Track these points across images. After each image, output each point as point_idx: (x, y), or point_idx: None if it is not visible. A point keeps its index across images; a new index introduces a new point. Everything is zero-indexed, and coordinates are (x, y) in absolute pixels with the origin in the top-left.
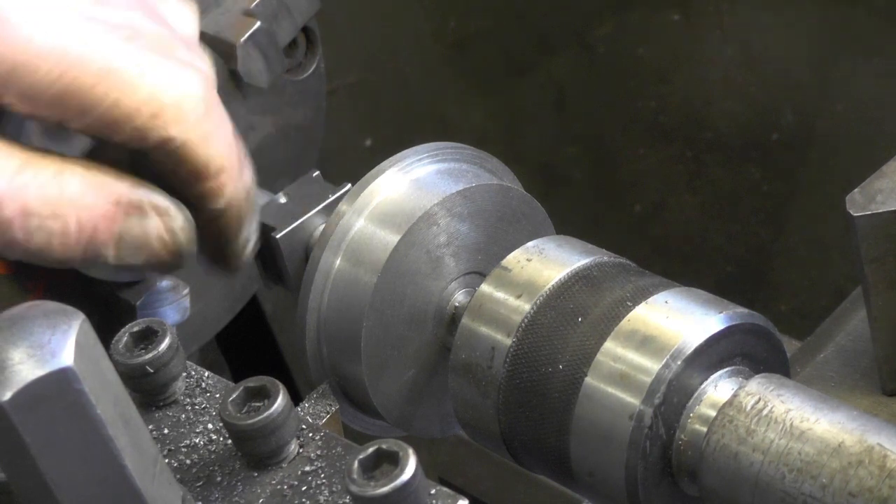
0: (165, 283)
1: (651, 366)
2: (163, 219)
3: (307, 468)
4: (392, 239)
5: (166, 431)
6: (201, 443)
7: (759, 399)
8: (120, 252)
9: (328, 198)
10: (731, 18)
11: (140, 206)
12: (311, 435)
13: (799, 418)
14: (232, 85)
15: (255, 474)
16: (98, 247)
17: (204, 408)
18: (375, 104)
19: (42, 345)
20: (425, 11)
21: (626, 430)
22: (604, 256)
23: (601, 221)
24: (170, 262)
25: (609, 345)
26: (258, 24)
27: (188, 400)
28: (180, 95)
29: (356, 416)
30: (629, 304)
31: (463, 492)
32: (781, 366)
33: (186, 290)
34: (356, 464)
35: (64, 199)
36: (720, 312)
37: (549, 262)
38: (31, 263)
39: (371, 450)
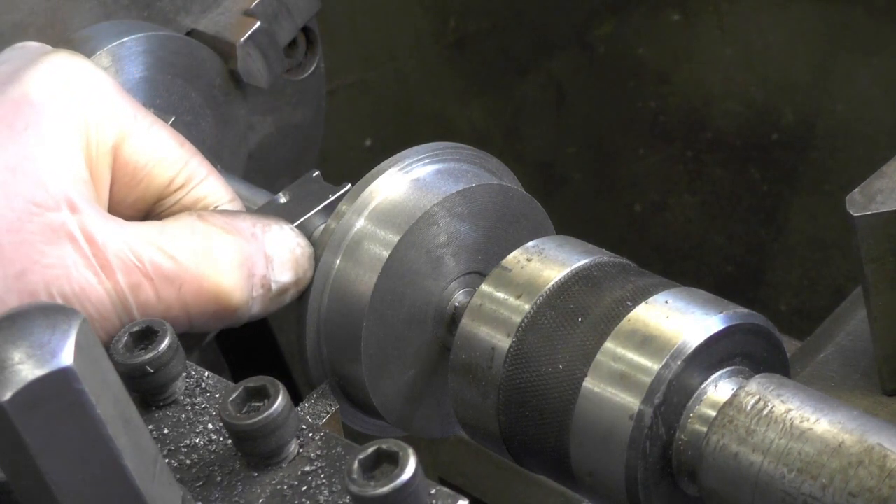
0: None
1: (651, 366)
2: (288, 234)
3: (307, 468)
4: (392, 239)
5: (166, 431)
6: (201, 443)
7: (759, 399)
8: (276, 273)
9: (328, 198)
10: (731, 18)
11: (269, 224)
12: (311, 435)
13: (799, 418)
14: (232, 85)
15: (255, 474)
16: (266, 275)
17: (204, 408)
18: (375, 104)
19: (42, 345)
20: (425, 11)
21: (626, 430)
22: (604, 256)
23: (601, 221)
24: (306, 278)
25: (609, 345)
26: (258, 24)
27: (188, 400)
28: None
29: (356, 416)
30: (629, 304)
31: (463, 492)
32: (781, 366)
33: None
34: (356, 464)
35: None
36: (720, 312)
37: (549, 262)
38: None
39: (371, 450)
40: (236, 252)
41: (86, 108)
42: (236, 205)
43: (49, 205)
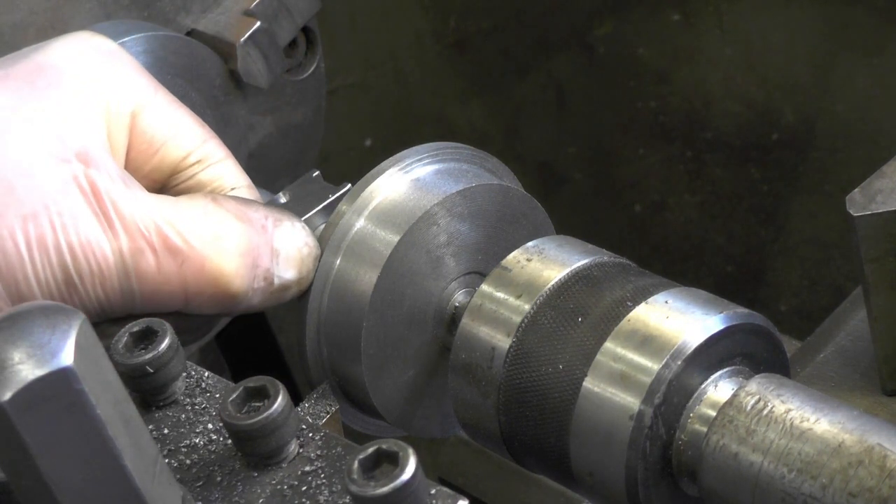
0: None
1: (651, 366)
2: (298, 231)
3: (307, 468)
4: (392, 239)
5: (166, 431)
6: (201, 443)
7: (759, 399)
8: (280, 268)
9: (328, 198)
10: (731, 18)
11: (281, 219)
12: (311, 435)
13: (799, 418)
14: (232, 85)
15: (255, 474)
16: (270, 269)
17: (204, 408)
18: (375, 104)
19: (42, 345)
20: (425, 11)
21: (626, 430)
22: (604, 256)
23: (601, 221)
24: (308, 277)
25: (609, 345)
26: (258, 24)
27: (188, 400)
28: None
29: (356, 416)
30: (629, 304)
31: (463, 492)
32: (781, 366)
33: None
34: (356, 464)
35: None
36: (720, 312)
37: (549, 262)
38: None
39: (371, 450)
40: (244, 240)
41: (106, 74)
42: (252, 191)
43: (64, 156)
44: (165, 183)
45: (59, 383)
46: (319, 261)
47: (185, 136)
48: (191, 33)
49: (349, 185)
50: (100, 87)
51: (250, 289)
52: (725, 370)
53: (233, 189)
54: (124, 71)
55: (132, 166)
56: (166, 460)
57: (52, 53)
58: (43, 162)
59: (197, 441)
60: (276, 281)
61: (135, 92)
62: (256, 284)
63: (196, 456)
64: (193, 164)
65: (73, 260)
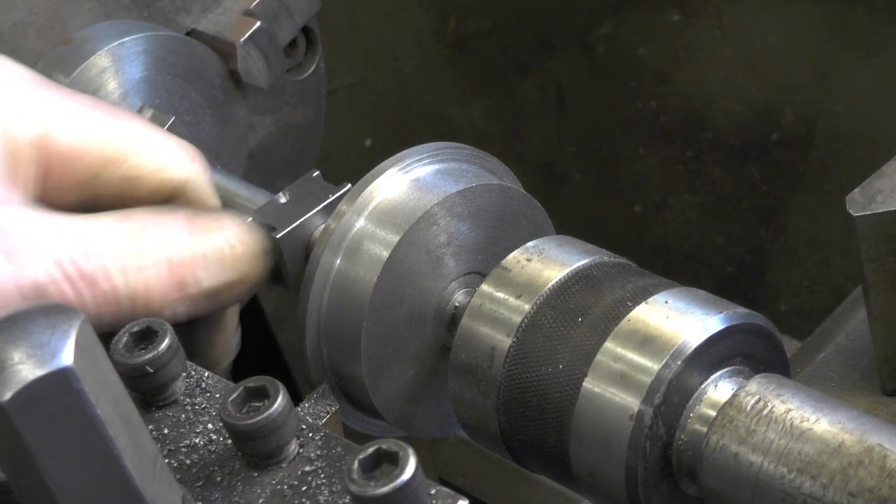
0: None
1: (651, 366)
2: (227, 230)
3: (307, 468)
4: (392, 239)
5: (166, 431)
6: (201, 443)
7: (759, 399)
8: (209, 272)
9: (328, 198)
10: (731, 18)
11: (209, 222)
12: (311, 435)
13: (799, 418)
14: (232, 85)
15: (255, 474)
16: (195, 276)
17: (204, 408)
18: (375, 104)
19: (42, 345)
20: (425, 11)
21: (626, 430)
22: (604, 256)
23: (601, 221)
24: (253, 275)
25: (609, 345)
26: (258, 24)
27: (188, 400)
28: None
29: (356, 416)
30: (629, 304)
31: (463, 492)
32: (781, 366)
33: None
34: (356, 464)
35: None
36: (720, 312)
37: (549, 262)
38: None
39: (371, 450)
40: (153, 253)
41: (4, 101)
42: (178, 160)
43: None
44: (93, 189)
45: (59, 383)
46: (318, 260)
47: (100, 139)
48: (191, 33)
49: (349, 185)
50: None
51: (170, 300)
52: (725, 370)
53: (162, 169)
54: (24, 94)
55: (53, 185)
56: (166, 460)
57: None
58: None
59: (197, 441)
60: (206, 285)
61: (39, 114)
62: (178, 294)
63: (196, 456)
64: (114, 163)
65: None
